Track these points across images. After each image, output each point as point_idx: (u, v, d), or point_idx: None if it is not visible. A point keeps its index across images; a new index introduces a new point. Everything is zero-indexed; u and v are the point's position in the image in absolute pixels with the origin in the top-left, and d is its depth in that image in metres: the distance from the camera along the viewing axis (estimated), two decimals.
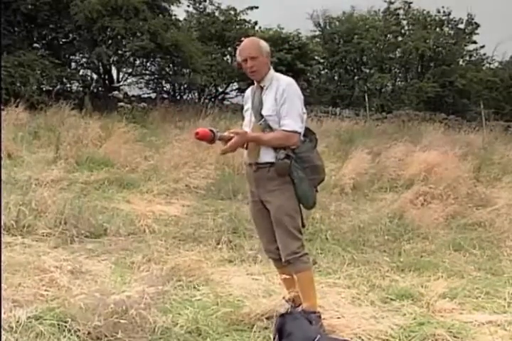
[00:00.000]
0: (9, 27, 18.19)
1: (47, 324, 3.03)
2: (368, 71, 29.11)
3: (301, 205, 3.38)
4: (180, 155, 8.93)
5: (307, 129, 3.41)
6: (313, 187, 3.38)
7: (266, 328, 3.27)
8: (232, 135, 3.23)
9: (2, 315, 3.01)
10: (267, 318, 3.39)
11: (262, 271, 4.36)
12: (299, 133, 3.28)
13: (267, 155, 3.31)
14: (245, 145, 3.36)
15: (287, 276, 3.50)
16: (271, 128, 3.31)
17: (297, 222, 3.37)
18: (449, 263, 4.94)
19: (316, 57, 26.08)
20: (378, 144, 11.79)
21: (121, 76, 22.19)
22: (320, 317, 3.32)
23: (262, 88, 3.40)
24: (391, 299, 3.99)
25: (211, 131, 3.22)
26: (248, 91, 3.54)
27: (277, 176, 3.30)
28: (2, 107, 11.26)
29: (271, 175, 3.31)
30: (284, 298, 3.50)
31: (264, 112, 3.34)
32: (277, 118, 3.30)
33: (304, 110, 3.40)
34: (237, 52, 3.44)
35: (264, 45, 3.40)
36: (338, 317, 3.52)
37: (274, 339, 2.79)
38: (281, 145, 3.28)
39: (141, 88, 22.97)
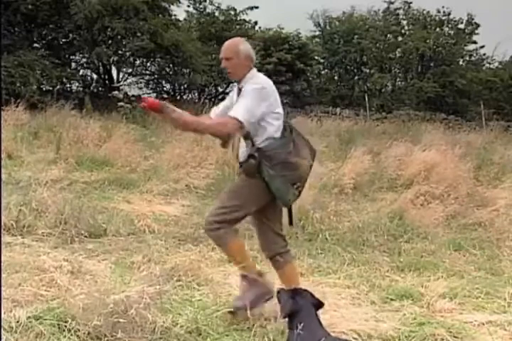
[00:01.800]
0: (9, 27, 18.20)
1: (47, 324, 3.03)
2: (368, 71, 29.09)
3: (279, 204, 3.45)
4: (181, 155, 8.93)
5: (285, 127, 3.41)
6: (288, 183, 3.35)
7: (266, 328, 3.28)
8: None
9: (2, 315, 3.01)
10: (267, 318, 3.40)
11: (261, 271, 4.35)
12: (239, 122, 3.23)
13: (242, 156, 3.40)
14: (232, 146, 3.46)
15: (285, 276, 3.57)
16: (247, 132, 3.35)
17: (240, 207, 3.37)
18: (449, 263, 4.95)
19: (316, 57, 26.05)
20: (378, 144, 11.78)
21: (121, 76, 22.20)
22: (259, 276, 3.48)
23: (240, 90, 3.43)
24: (391, 299, 3.99)
25: (159, 103, 3.24)
26: (233, 89, 3.62)
27: (247, 176, 3.38)
28: (2, 107, 11.26)
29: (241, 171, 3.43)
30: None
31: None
32: (250, 123, 3.32)
33: (278, 110, 3.39)
34: None
35: (244, 48, 3.42)
36: (338, 317, 3.52)
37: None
38: (219, 132, 3.31)
39: (141, 88, 22.98)
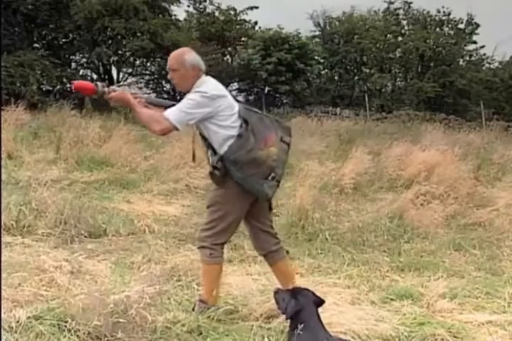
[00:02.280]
0: (9, 27, 18.21)
1: (47, 324, 3.03)
2: (368, 71, 29.07)
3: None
4: (181, 155, 8.93)
5: (240, 123, 3.33)
6: (259, 180, 3.32)
7: (266, 328, 3.28)
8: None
9: (2, 315, 3.01)
10: (267, 318, 3.40)
11: (261, 271, 4.35)
12: (171, 125, 3.22)
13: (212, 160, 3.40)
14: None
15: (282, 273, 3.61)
16: (202, 137, 3.40)
17: (226, 216, 3.39)
18: (449, 263, 4.95)
19: (316, 57, 26.06)
20: (378, 144, 11.79)
21: (121, 76, 22.22)
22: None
23: None
24: (391, 299, 3.99)
25: (95, 84, 3.32)
26: None
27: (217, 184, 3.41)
28: (2, 107, 11.26)
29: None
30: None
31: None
32: (203, 128, 3.35)
33: (228, 112, 3.32)
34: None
35: (191, 58, 3.36)
36: (338, 317, 3.52)
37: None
38: (146, 125, 3.31)
39: (141, 88, 22.98)
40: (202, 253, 3.47)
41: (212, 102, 3.28)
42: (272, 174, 3.36)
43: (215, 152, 3.35)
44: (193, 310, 3.44)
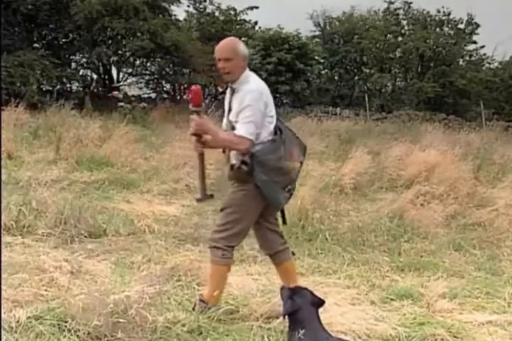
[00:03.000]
0: (9, 27, 18.20)
1: (47, 324, 3.03)
2: (368, 71, 29.03)
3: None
4: (181, 155, 8.93)
5: (276, 129, 3.40)
6: (280, 189, 3.38)
7: (266, 328, 3.28)
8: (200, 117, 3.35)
9: (2, 315, 3.01)
10: (267, 318, 3.40)
11: (261, 271, 4.36)
12: (249, 140, 3.27)
13: (234, 158, 3.40)
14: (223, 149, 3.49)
15: (285, 274, 3.60)
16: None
17: (243, 218, 3.39)
18: (449, 263, 4.95)
19: (316, 57, 26.01)
20: (378, 144, 11.79)
21: (121, 76, 22.20)
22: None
23: (233, 91, 3.43)
24: (391, 299, 3.99)
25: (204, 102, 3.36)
26: (228, 90, 3.58)
27: (238, 181, 3.39)
28: (2, 107, 11.26)
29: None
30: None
31: (231, 117, 3.39)
32: None
33: (272, 113, 3.39)
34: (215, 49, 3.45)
35: (242, 48, 3.41)
36: (338, 317, 3.52)
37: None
38: (232, 148, 3.35)
39: (141, 88, 22.96)
40: (213, 253, 3.44)
41: (266, 100, 3.36)
42: (289, 186, 3.44)
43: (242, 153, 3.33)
44: (194, 309, 3.44)
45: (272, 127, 3.38)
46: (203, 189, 3.58)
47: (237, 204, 3.40)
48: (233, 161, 3.40)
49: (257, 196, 3.36)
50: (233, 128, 3.34)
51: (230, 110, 3.44)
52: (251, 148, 3.28)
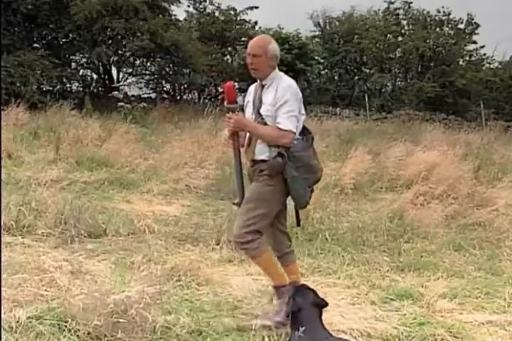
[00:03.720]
0: (9, 27, 18.18)
1: (47, 324, 3.03)
2: (368, 71, 29.07)
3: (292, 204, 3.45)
4: (181, 155, 8.93)
5: (304, 128, 3.45)
6: (307, 186, 3.38)
7: (266, 328, 3.28)
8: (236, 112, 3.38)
9: (2, 315, 3.01)
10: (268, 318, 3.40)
11: (261, 271, 4.35)
12: (293, 133, 3.30)
13: (261, 154, 3.37)
14: (246, 142, 3.45)
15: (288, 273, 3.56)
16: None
17: (265, 211, 3.36)
18: (449, 263, 4.95)
19: (316, 57, 26.04)
20: (378, 144, 11.78)
21: (121, 76, 22.19)
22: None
23: (262, 86, 3.44)
24: (391, 299, 3.99)
25: (237, 100, 3.43)
26: (251, 88, 3.58)
27: (270, 174, 3.33)
28: (2, 107, 11.26)
29: (261, 170, 3.37)
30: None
31: (262, 111, 3.38)
32: (274, 119, 3.34)
33: (303, 111, 3.45)
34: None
35: (273, 47, 3.42)
36: (338, 317, 3.52)
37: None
38: (273, 143, 3.32)
39: (141, 88, 22.94)
40: (246, 251, 3.39)
41: (298, 94, 3.40)
42: (312, 187, 3.45)
43: (278, 146, 3.31)
44: (272, 300, 3.42)
45: (301, 125, 3.42)
46: (241, 192, 3.49)
47: (263, 199, 3.35)
48: (264, 155, 3.35)
49: (283, 192, 3.35)
50: (265, 122, 3.35)
51: (256, 105, 3.43)
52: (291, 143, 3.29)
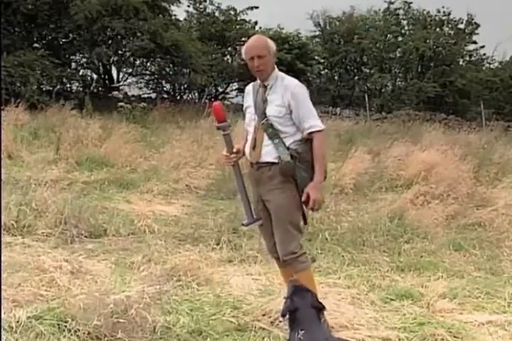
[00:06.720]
0: (9, 27, 18.19)
1: (47, 324, 3.03)
2: (368, 71, 29.09)
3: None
4: (181, 155, 8.93)
5: None
6: None
7: (266, 328, 3.28)
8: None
9: (2, 315, 3.01)
10: (268, 318, 3.40)
11: (261, 271, 4.35)
12: (321, 129, 3.30)
13: (269, 156, 3.29)
14: (250, 144, 3.37)
15: (290, 276, 3.52)
16: (273, 128, 3.28)
17: (296, 221, 3.35)
18: (449, 263, 4.94)
19: (316, 57, 26.06)
20: (378, 144, 11.77)
21: (121, 76, 22.21)
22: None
23: (265, 87, 3.35)
24: (391, 299, 3.99)
25: (226, 120, 3.42)
26: (248, 89, 3.49)
27: (280, 176, 3.27)
28: (2, 107, 11.25)
29: (271, 174, 3.29)
30: (285, 297, 3.50)
31: (268, 112, 3.30)
32: (283, 120, 3.27)
33: None
34: (244, 49, 3.39)
35: (272, 44, 3.39)
36: (338, 317, 3.52)
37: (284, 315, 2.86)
38: (323, 149, 3.34)
39: (141, 88, 22.98)
40: (294, 265, 3.33)
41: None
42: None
43: (287, 147, 3.27)
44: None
45: None
46: (249, 211, 3.45)
47: (284, 212, 3.30)
48: (272, 156, 3.28)
49: (296, 195, 3.30)
50: (270, 123, 3.28)
51: (260, 107, 3.34)
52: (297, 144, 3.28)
